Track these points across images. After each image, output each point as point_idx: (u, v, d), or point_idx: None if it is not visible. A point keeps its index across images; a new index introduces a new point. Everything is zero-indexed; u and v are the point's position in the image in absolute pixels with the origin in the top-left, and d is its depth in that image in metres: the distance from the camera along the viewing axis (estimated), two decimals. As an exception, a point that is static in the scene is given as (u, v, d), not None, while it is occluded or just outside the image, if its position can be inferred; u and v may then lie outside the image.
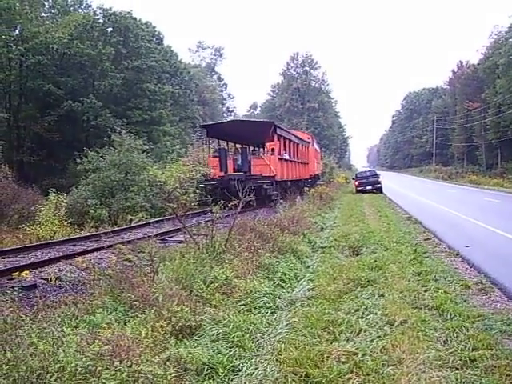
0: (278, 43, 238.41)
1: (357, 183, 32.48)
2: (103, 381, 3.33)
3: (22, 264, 8.03)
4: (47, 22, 31.30)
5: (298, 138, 25.17)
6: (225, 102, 74.16)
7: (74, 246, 10.53)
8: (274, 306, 5.87)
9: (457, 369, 4.01)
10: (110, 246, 8.70)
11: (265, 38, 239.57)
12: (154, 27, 39.95)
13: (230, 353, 4.29)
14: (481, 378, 3.83)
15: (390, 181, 45.06)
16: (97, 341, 3.73)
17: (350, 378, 3.82)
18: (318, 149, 40.29)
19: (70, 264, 8.01)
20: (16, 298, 4.78)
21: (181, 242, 9.67)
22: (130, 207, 16.28)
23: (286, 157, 21.06)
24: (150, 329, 4.31)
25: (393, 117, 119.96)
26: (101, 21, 32.27)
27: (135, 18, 34.06)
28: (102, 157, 18.48)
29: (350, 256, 9.36)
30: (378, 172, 35.98)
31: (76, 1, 37.06)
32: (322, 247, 10.50)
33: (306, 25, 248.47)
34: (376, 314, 5.41)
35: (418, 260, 8.53)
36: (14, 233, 13.70)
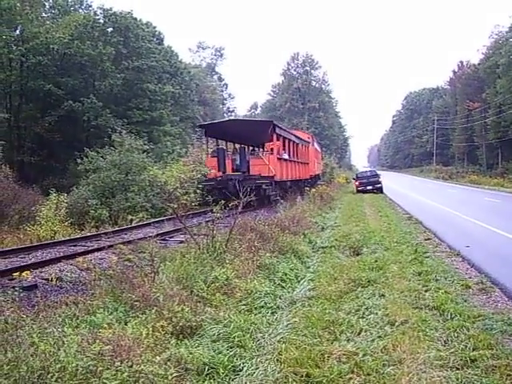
0: (278, 43, 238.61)
1: (357, 183, 32.48)
2: (104, 381, 3.34)
3: (22, 264, 8.02)
4: (48, 23, 31.26)
5: (297, 137, 24.98)
6: (225, 102, 74.15)
7: (74, 246, 10.53)
8: (275, 306, 5.87)
9: (457, 369, 4.02)
10: (111, 246, 8.71)
11: (265, 38, 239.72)
12: (155, 27, 39.95)
13: (231, 353, 4.29)
14: (481, 377, 3.83)
15: (391, 181, 45.05)
16: (97, 341, 3.73)
17: (351, 378, 3.83)
18: (319, 149, 40.20)
19: (71, 264, 8.01)
20: (17, 299, 4.79)
21: (181, 242, 9.67)
22: (130, 207, 16.29)
23: (286, 156, 20.88)
24: (150, 329, 4.31)
25: (393, 117, 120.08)
26: (101, 21, 32.25)
27: (135, 18, 34.05)
28: (102, 157, 18.48)
29: (350, 256, 9.36)
30: (378, 172, 36.01)
31: (76, 1, 37.04)
32: (322, 247, 10.50)
33: (307, 25, 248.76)
34: (377, 314, 5.41)
35: (418, 260, 8.53)
36: (15, 233, 13.69)
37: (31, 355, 3.46)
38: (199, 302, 5.49)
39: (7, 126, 27.65)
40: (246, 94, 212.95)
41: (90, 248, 9.84)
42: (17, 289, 5.02)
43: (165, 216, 14.05)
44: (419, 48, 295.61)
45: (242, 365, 4.12)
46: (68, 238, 11.92)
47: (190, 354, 4.11)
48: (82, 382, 3.33)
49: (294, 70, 79.22)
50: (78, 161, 19.02)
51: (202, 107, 50.17)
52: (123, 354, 3.63)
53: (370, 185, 31.42)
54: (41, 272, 7.58)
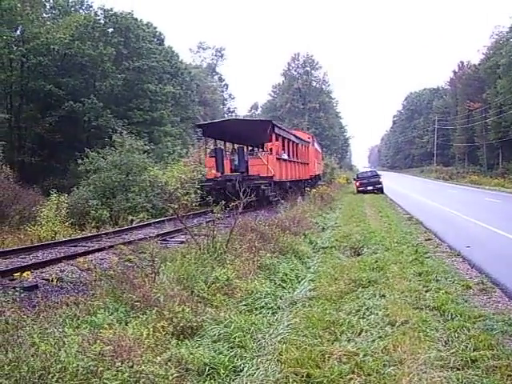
0: (278, 44, 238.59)
1: (358, 183, 32.47)
2: (105, 381, 3.34)
3: (23, 265, 8.02)
4: (48, 23, 31.30)
5: (297, 137, 24.80)
6: (226, 102, 74.16)
7: (75, 246, 10.53)
8: (276, 307, 5.87)
9: (458, 369, 4.02)
10: (111, 247, 8.72)
11: (266, 39, 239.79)
12: (155, 28, 39.97)
13: (232, 353, 4.29)
14: (482, 378, 3.83)
15: (391, 181, 45.05)
16: (98, 341, 3.73)
17: (351, 379, 3.83)
18: (319, 149, 40.09)
19: (72, 264, 8.01)
20: (17, 299, 4.78)
21: (182, 242, 9.67)
22: (131, 208, 16.30)
23: (285, 157, 20.68)
24: (151, 329, 4.31)
25: (394, 117, 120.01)
26: (102, 21, 32.27)
27: (136, 19, 34.07)
28: (103, 157, 18.50)
29: (351, 256, 9.37)
30: (379, 172, 36.01)
31: (77, 1, 37.08)
32: (323, 247, 10.50)
33: (307, 25, 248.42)
34: (377, 314, 5.41)
35: (419, 260, 8.53)
36: (16, 233, 13.70)
37: (32, 355, 3.46)
38: (200, 302, 5.49)
39: (8, 127, 27.67)
40: (247, 94, 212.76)
41: (90, 248, 9.84)
42: (17, 289, 5.01)
43: (165, 216, 14.05)
44: (420, 48, 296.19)
45: (242, 365, 4.12)
46: (69, 238, 11.93)
47: (191, 354, 4.11)
48: (83, 383, 3.33)
49: (295, 71, 79.28)
50: (79, 161, 19.05)
51: (202, 108, 50.19)
52: (124, 355, 3.63)
53: (370, 185, 31.40)
54: (41, 272, 7.59)
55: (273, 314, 5.63)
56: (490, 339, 4.54)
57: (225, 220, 8.92)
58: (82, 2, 37.25)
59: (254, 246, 8.13)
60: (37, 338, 3.74)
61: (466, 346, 4.43)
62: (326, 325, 5.09)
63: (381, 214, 17.60)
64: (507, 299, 6.26)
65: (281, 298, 6.26)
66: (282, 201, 16.14)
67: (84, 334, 3.99)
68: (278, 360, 4.16)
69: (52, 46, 27.55)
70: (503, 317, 5.30)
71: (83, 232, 13.81)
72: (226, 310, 5.41)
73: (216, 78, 72.78)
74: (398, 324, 5.01)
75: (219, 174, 17.68)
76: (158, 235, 9.55)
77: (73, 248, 10.26)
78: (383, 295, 6.19)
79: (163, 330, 4.47)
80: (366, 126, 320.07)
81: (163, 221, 12.83)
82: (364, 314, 5.49)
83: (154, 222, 14.03)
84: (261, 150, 22.94)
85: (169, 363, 3.83)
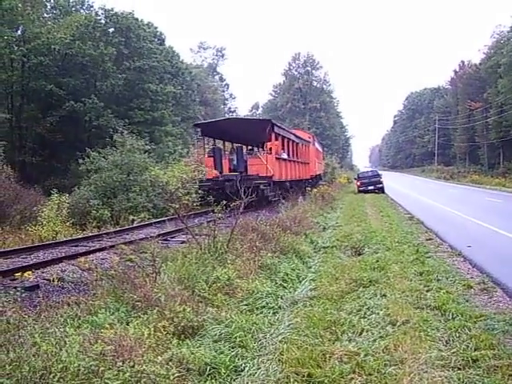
0: (279, 43, 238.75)
1: (359, 183, 32.45)
2: (106, 381, 3.34)
3: (24, 264, 8.04)
4: (49, 23, 31.30)
5: (297, 137, 24.64)
6: (227, 102, 74.22)
7: (76, 246, 10.55)
8: (277, 306, 5.87)
9: (459, 369, 4.01)
10: (112, 247, 8.73)
11: (266, 39, 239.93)
12: (156, 27, 39.98)
13: (233, 353, 4.29)
14: (483, 378, 3.82)
15: (392, 181, 45.00)
16: (99, 341, 3.73)
17: (352, 378, 3.83)
18: (320, 148, 40.00)
19: (73, 264, 8.02)
20: (19, 299, 4.80)
21: (183, 242, 9.68)
22: (132, 207, 16.31)
23: (285, 156, 20.49)
24: (152, 329, 4.31)
25: (394, 117, 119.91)
26: (102, 21, 32.34)
27: (137, 19, 34.11)
28: (104, 157, 18.52)
29: (352, 256, 9.36)
30: (379, 172, 35.98)
31: (78, 1, 37.08)
32: (324, 247, 10.49)
33: (308, 25, 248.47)
34: (378, 314, 5.41)
35: (420, 260, 8.52)
36: (17, 233, 13.71)
37: (33, 355, 3.46)
38: (201, 302, 5.49)
39: (9, 127, 27.71)
40: (248, 94, 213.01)
41: (91, 248, 9.86)
42: (19, 289, 5.03)
43: (166, 216, 14.06)
44: (420, 48, 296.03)
45: (243, 365, 4.12)
46: (70, 238, 11.95)
47: (192, 354, 4.11)
48: (84, 382, 3.33)
49: (296, 70, 79.28)
50: (80, 161, 19.07)
51: (203, 107, 50.20)
52: (125, 354, 3.64)
53: (371, 185, 31.37)
54: (42, 272, 7.60)
55: (274, 313, 5.63)
56: (491, 339, 4.54)
57: (226, 220, 8.91)
58: (82, 2, 37.25)
59: (255, 245, 8.13)
60: (38, 338, 3.75)
61: (467, 346, 4.42)
62: (326, 324, 5.09)
63: (382, 214, 17.59)
64: (508, 299, 6.25)
65: (282, 298, 6.25)
66: (283, 200, 16.11)
67: (85, 333, 4.00)
68: (279, 360, 4.16)
69: (53, 46, 27.58)
70: (504, 316, 5.29)
71: (84, 232, 13.83)
72: (227, 309, 5.41)
73: (217, 77, 72.85)
74: (398, 324, 5.01)
75: (218, 174, 17.55)
76: (159, 235, 9.55)
77: (74, 248, 10.27)
78: (384, 295, 6.18)
79: (164, 330, 4.47)
80: (367, 125, 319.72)
81: (164, 221, 12.85)
82: (365, 313, 5.49)
83: (154, 222, 14.04)
84: (260, 149, 22.86)
85: (170, 363, 3.82)
